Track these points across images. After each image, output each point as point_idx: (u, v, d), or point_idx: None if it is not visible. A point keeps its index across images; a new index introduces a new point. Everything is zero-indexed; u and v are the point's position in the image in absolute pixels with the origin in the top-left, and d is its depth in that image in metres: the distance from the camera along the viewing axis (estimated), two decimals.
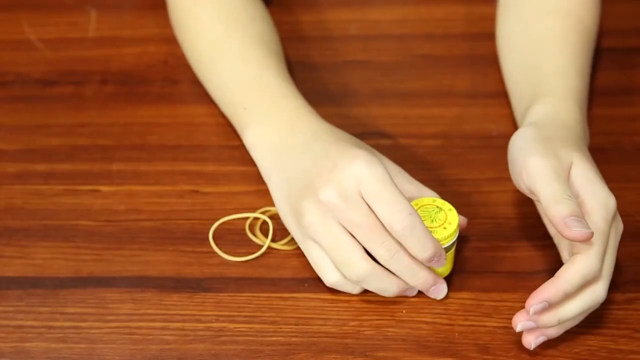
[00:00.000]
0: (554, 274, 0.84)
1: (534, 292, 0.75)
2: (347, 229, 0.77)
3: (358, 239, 0.77)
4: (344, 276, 0.79)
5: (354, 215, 0.76)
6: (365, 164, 0.76)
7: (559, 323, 0.76)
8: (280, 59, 0.93)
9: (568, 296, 0.75)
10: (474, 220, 0.88)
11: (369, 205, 0.76)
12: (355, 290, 0.81)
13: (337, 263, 0.79)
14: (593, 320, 0.81)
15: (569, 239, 0.74)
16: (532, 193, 0.78)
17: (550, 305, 0.75)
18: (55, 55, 1.04)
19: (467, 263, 0.85)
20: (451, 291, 0.83)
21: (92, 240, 0.88)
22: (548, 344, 0.79)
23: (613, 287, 0.83)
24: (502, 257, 0.86)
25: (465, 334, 0.81)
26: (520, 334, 0.79)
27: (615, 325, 0.81)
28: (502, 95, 0.96)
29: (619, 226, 0.79)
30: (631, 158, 0.93)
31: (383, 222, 0.76)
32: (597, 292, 0.76)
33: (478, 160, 0.92)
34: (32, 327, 0.82)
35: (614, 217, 0.78)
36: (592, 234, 0.73)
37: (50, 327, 0.82)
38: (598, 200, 0.77)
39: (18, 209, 0.90)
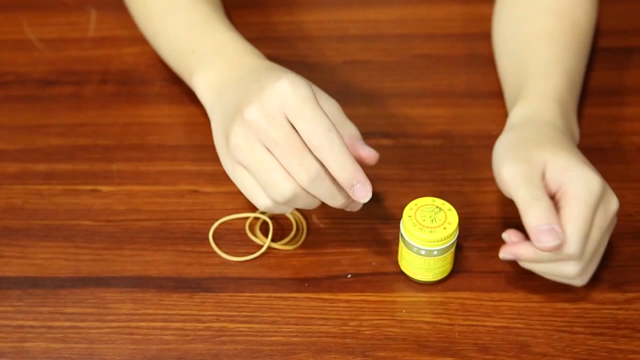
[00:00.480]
0: None
1: (511, 243, 0.79)
2: (269, 150, 0.76)
3: (278, 159, 0.76)
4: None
5: (275, 134, 0.75)
6: (289, 83, 0.76)
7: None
8: (223, 11, 0.95)
9: (539, 261, 0.79)
10: (474, 220, 0.88)
11: (292, 126, 0.76)
12: (288, 211, 0.80)
13: (262, 185, 0.77)
14: (593, 320, 0.81)
15: (541, 251, 0.76)
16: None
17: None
18: (55, 55, 1.04)
19: (467, 263, 0.85)
20: (451, 291, 0.83)
21: (92, 240, 0.88)
22: (548, 344, 0.79)
23: (613, 287, 0.83)
24: None
25: (465, 333, 0.81)
26: (520, 333, 0.79)
27: (616, 325, 0.81)
28: (501, 95, 0.96)
29: (610, 206, 0.79)
30: (631, 158, 0.93)
31: (304, 139, 0.75)
32: (568, 270, 0.78)
33: (478, 160, 0.92)
34: (32, 327, 0.82)
35: (601, 198, 0.78)
36: (560, 244, 0.75)
37: (50, 327, 0.82)
38: (579, 185, 0.77)
39: (18, 209, 0.90)
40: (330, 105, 0.84)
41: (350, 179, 0.75)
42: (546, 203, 0.76)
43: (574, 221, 0.76)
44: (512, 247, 0.80)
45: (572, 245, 0.76)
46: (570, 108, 0.89)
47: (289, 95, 0.75)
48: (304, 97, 0.75)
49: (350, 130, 0.85)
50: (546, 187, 0.78)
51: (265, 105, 0.76)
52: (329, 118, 0.75)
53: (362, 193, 0.76)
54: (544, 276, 0.81)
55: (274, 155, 0.76)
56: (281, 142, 0.75)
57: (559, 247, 0.75)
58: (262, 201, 0.79)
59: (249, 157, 0.77)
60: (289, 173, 0.76)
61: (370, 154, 0.83)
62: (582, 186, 0.77)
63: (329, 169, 0.75)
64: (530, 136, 0.82)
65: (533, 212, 0.76)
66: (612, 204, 0.79)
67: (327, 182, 0.76)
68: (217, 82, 0.85)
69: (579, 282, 0.80)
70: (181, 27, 0.92)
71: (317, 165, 0.75)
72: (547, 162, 0.79)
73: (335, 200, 0.78)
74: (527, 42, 0.93)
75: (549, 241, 0.75)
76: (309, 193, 0.77)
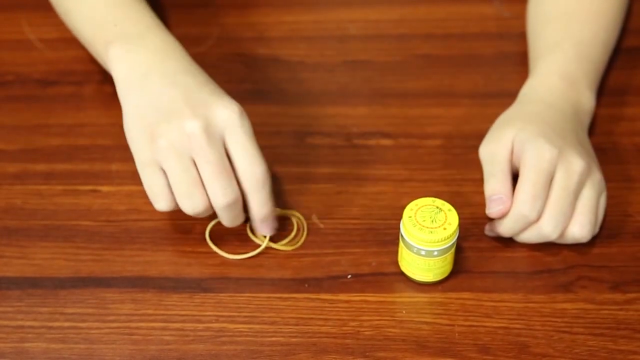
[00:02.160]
0: (553, 274, 0.84)
1: (489, 223, 0.86)
2: (197, 165, 0.80)
3: (203, 176, 0.80)
4: (177, 205, 0.82)
5: (212, 153, 0.80)
6: (239, 113, 0.81)
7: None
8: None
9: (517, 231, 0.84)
10: (474, 220, 0.88)
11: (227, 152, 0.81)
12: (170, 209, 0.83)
13: (178, 193, 0.81)
14: (593, 321, 0.81)
15: (490, 217, 0.84)
16: None
17: None
18: (55, 55, 1.04)
19: (467, 263, 0.85)
20: (451, 291, 0.83)
21: (91, 240, 0.88)
22: (548, 345, 0.79)
23: (613, 287, 0.83)
24: (502, 257, 0.86)
25: (465, 334, 0.81)
26: (520, 334, 0.79)
27: (616, 326, 0.81)
28: (502, 95, 0.96)
29: (572, 166, 0.82)
30: (631, 158, 0.93)
31: (238, 170, 0.81)
32: (544, 229, 0.82)
33: (478, 160, 0.92)
34: (32, 327, 0.82)
35: (553, 162, 0.82)
36: (503, 209, 0.82)
37: (50, 328, 0.82)
38: (529, 153, 0.83)
39: (18, 209, 0.90)
40: None
41: (264, 216, 0.83)
42: (500, 177, 0.84)
43: (521, 184, 0.82)
44: (490, 224, 0.86)
45: (520, 204, 0.82)
46: (580, 77, 0.91)
47: (237, 125, 0.81)
48: (250, 134, 0.82)
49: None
50: (514, 162, 0.85)
51: (211, 125, 0.80)
52: (264, 160, 0.82)
53: (268, 230, 0.85)
54: (545, 241, 0.84)
55: (199, 170, 0.80)
56: (214, 163, 0.80)
57: (503, 212, 0.83)
58: (163, 205, 0.82)
59: (175, 164, 0.80)
60: (206, 191, 0.81)
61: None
62: (531, 154, 0.83)
63: (248, 202, 0.83)
64: (512, 114, 0.89)
65: (487, 186, 0.84)
66: (574, 164, 0.83)
67: (238, 209, 0.83)
68: (141, 66, 0.85)
69: (578, 235, 0.83)
70: (101, 2, 0.92)
71: (238, 193, 0.82)
72: (514, 139, 0.85)
73: (232, 224, 0.85)
74: (541, 21, 0.96)
75: (494, 207, 0.83)
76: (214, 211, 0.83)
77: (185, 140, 0.80)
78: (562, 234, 0.83)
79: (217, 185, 0.80)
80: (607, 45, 0.95)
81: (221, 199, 0.81)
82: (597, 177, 0.84)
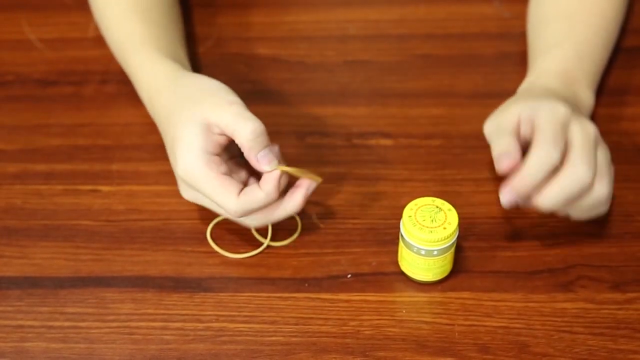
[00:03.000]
0: (553, 273, 0.84)
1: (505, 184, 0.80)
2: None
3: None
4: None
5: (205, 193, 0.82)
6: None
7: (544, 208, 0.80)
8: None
9: (537, 185, 0.79)
10: (474, 220, 0.88)
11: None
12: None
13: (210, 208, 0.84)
14: (593, 320, 0.81)
15: (501, 174, 0.80)
16: None
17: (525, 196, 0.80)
18: (55, 55, 1.04)
19: (467, 263, 0.85)
20: (451, 291, 0.83)
21: (91, 240, 0.88)
22: (548, 344, 0.79)
23: (613, 287, 0.83)
24: (502, 257, 0.86)
25: (465, 333, 0.81)
26: (520, 333, 0.79)
27: (616, 325, 0.81)
28: (502, 95, 0.95)
29: (586, 125, 0.81)
30: (631, 158, 0.93)
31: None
32: (576, 173, 0.78)
33: (478, 160, 0.92)
34: (32, 327, 0.82)
35: (568, 118, 0.80)
36: (513, 162, 0.79)
37: (50, 327, 0.82)
38: (543, 112, 0.80)
39: (18, 209, 0.90)
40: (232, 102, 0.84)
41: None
42: (507, 138, 0.81)
43: (539, 134, 0.79)
44: (507, 185, 0.80)
45: (547, 150, 0.78)
46: (579, 76, 0.91)
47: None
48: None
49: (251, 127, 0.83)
50: (522, 132, 0.81)
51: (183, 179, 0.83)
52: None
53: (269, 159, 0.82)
54: (576, 210, 0.82)
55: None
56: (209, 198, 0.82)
57: (513, 166, 0.79)
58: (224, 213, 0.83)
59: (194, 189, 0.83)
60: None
61: (263, 161, 0.82)
62: (545, 113, 0.80)
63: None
64: (515, 99, 0.86)
65: (495, 146, 0.81)
66: (587, 125, 0.81)
67: (258, 213, 0.82)
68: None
69: (602, 193, 0.80)
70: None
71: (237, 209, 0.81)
72: (521, 110, 0.82)
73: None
74: (541, 20, 0.96)
75: (504, 160, 0.79)
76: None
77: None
78: (592, 185, 0.80)
79: (219, 209, 0.84)
80: (607, 45, 0.95)
81: (232, 215, 0.83)
82: (605, 146, 0.83)
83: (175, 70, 0.88)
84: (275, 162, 0.81)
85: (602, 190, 0.80)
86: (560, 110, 0.80)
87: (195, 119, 0.81)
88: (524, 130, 0.82)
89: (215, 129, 0.81)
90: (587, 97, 0.90)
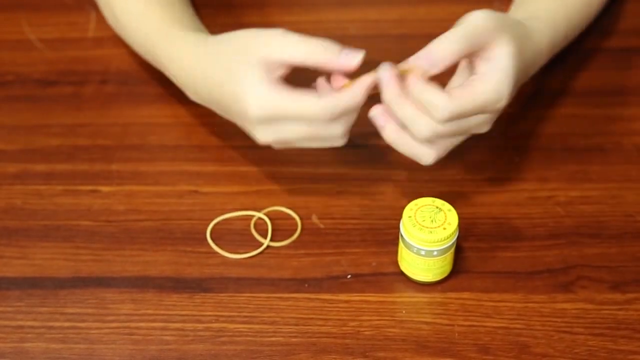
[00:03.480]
0: (554, 274, 0.85)
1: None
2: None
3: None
4: None
5: (291, 137, 0.82)
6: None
7: None
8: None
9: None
10: (474, 220, 0.88)
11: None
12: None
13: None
14: (593, 321, 0.81)
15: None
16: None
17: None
18: (55, 55, 1.04)
19: (467, 263, 0.85)
20: (451, 291, 0.83)
21: (91, 240, 0.88)
22: (548, 345, 0.79)
23: (613, 287, 0.83)
24: (502, 257, 0.86)
25: (465, 334, 0.81)
26: (520, 334, 0.79)
27: (616, 326, 0.81)
28: None
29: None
30: (631, 158, 0.93)
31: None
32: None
33: (478, 160, 0.92)
34: (32, 327, 0.82)
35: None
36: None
37: (50, 328, 0.82)
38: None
39: (18, 209, 0.90)
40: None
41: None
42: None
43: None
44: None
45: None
46: (541, 15, 0.89)
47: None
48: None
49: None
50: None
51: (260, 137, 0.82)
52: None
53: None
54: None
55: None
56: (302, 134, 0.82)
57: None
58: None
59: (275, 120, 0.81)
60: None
61: (350, 56, 0.83)
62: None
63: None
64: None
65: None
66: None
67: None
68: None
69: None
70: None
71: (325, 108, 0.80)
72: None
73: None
74: None
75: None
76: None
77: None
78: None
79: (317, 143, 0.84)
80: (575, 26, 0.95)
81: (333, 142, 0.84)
82: (488, 122, 0.83)
83: (207, 39, 0.88)
84: (362, 52, 0.82)
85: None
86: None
87: (253, 65, 0.81)
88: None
89: (273, 66, 0.81)
90: (537, 29, 0.88)
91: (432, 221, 0.80)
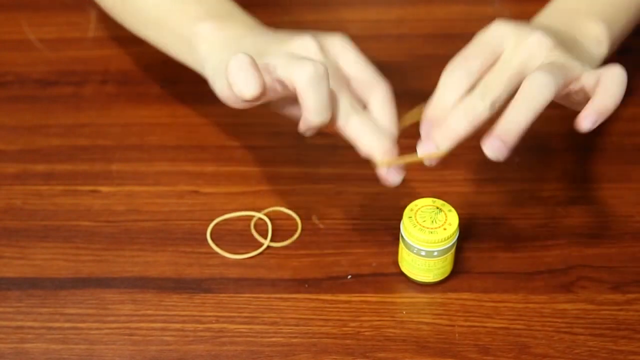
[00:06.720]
0: (553, 274, 0.84)
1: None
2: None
3: None
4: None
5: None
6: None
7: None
8: None
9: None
10: (474, 221, 0.88)
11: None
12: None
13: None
14: (594, 321, 0.81)
15: None
16: None
17: None
18: (55, 55, 1.04)
19: (467, 263, 0.85)
20: (451, 292, 0.83)
21: (91, 240, 0.88)
22: (549, 345, 0.79)
23: (613, 288, 0.83)
24: (502, 257, 0.86)
25: (465, 334, 0.81)
26: (520, 334, 0.79)
27: (616, 326, 0.81)
28: None
29: None
30: (631, 158, 0.93)
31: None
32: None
33: (478, 160, 0.92)
34: (32, 328, 0.82)
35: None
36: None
37: (50, 328, 0.82)
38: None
39: (18, 210, 0.90)
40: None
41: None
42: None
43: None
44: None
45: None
46: (582, 9, 0.89)
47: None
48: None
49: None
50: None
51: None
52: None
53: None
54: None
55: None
56: None
57: None
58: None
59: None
60: None
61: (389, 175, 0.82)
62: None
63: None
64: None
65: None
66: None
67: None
68: (235, 37, 0.87)
69: None
70: None
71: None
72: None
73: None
74: None
75: None
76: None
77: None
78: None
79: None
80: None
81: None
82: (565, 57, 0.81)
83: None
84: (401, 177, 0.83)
85: None
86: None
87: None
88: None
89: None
90: (591, 29, 0.87)
91: (432, 222, 0.80)
